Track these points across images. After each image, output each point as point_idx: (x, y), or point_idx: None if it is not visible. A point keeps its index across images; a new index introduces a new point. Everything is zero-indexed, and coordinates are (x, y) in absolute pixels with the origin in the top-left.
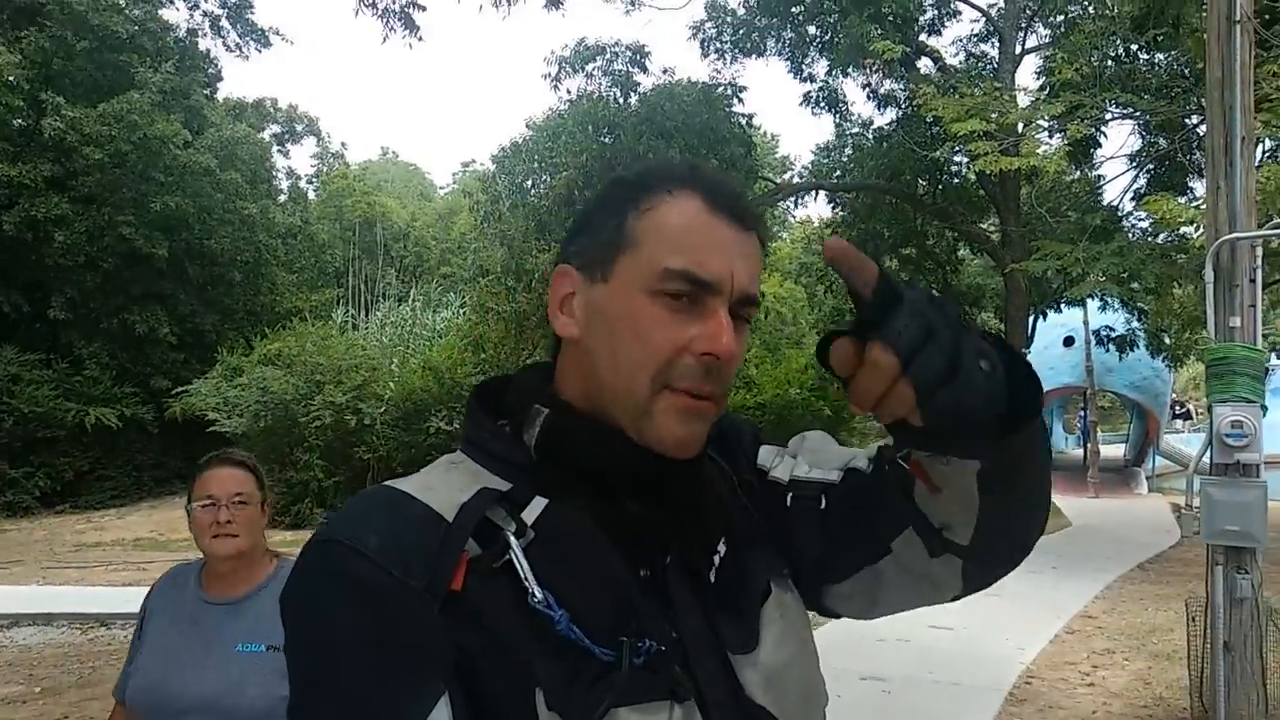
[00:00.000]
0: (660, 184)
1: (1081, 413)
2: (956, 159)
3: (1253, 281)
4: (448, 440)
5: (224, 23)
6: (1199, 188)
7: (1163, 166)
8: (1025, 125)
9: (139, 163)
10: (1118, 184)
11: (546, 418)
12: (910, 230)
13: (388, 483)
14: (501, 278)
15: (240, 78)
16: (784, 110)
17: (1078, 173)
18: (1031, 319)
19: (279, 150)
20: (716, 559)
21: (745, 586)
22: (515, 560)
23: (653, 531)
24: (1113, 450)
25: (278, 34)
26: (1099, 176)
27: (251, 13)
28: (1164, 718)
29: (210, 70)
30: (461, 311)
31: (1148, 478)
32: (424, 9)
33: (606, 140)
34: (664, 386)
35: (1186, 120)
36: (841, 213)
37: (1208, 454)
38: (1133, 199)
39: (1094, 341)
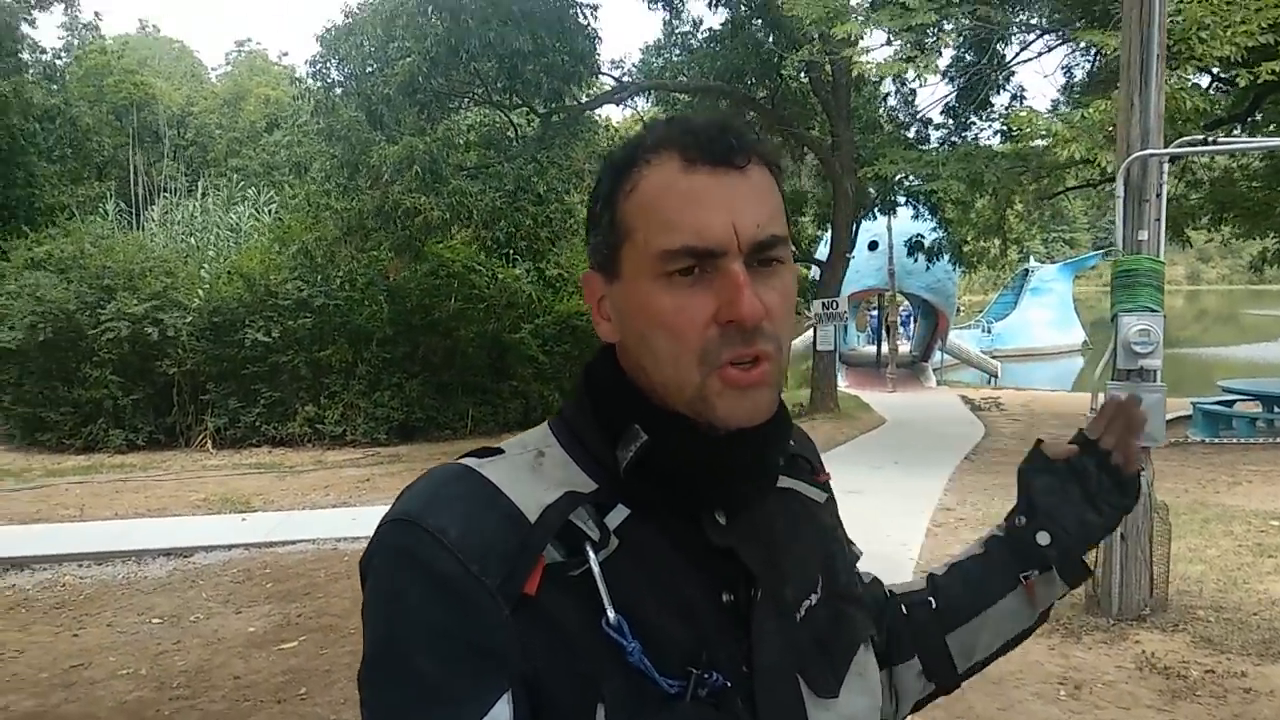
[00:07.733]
0: (640, 154)
1: (873, 313)
2: (796, 61)
3: (1159, 196)
4: (265, 353)
5: None
6: (999, 101)
7: (973, 80)
8: (904, 31)
9: None
10: (936, 96)
11: (644, 445)
12: None
13: (471, 463)
14: (336, 174)
15: None
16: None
17: (915, 81)
18: (854, 226)
19: (24, 19)
20: (812, 598)
21: (841, 635)
22: (593, 573)
23: (735, 561)
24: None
25: None
26: (911, 92)
27: None
28: (1060, 601)
29: None
30: (266, 209)
31: (935, 370)
32: None
33: (450, 26)
34: (709, 368)
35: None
36: (674, 115)
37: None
38: (943, 112)
39: (904, 250)
